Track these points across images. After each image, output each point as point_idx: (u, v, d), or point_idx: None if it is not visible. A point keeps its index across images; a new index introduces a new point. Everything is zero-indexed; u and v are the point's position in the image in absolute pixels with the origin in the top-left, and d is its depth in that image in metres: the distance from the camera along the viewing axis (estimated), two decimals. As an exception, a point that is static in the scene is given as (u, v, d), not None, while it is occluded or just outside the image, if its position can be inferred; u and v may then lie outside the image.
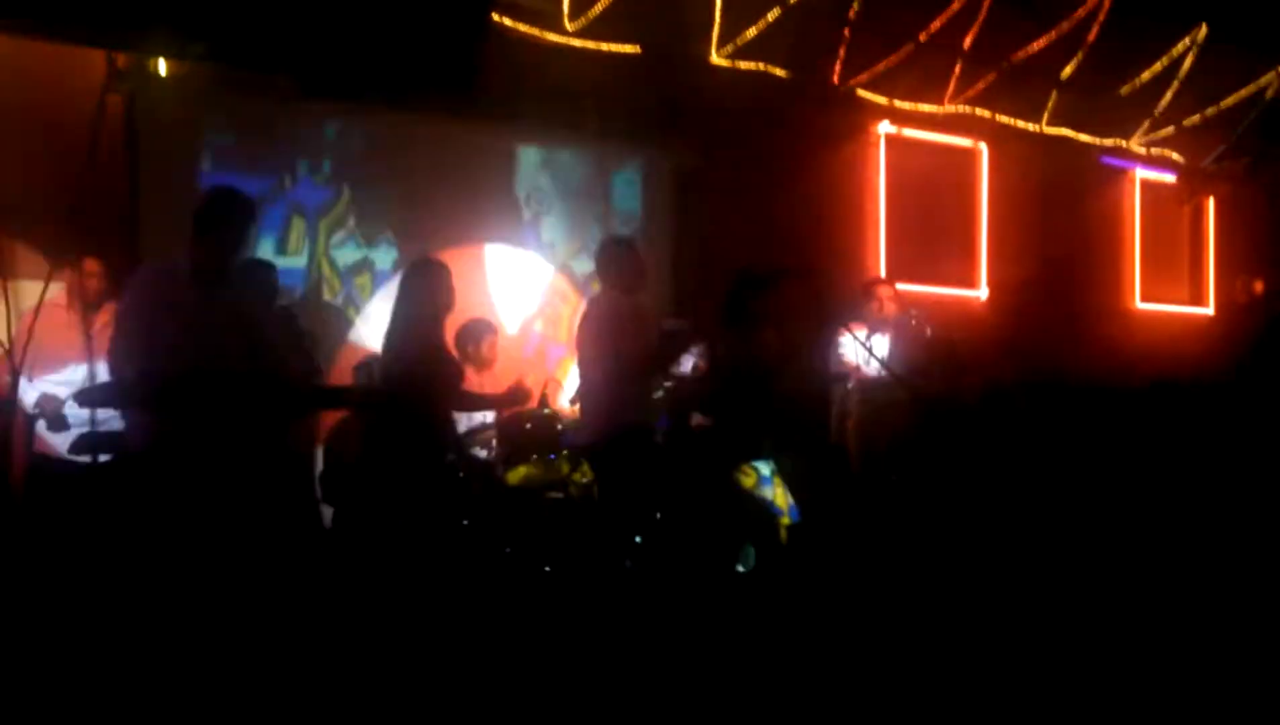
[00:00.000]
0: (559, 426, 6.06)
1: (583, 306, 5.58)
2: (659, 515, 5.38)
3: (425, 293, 4.66)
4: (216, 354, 3.97)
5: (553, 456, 6.01)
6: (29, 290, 4.90)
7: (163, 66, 5.93)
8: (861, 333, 6.22)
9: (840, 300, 6.77)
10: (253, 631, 4.52)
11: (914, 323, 6.48)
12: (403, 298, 4.72)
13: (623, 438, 5.08)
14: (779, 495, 5.52)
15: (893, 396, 6.28)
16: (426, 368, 4.59)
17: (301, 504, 5.70)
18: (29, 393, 4.78)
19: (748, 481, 5.43)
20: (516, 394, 5.28)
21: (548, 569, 5.68)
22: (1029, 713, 3.80)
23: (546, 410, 6.14)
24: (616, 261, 5.12)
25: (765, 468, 5.48)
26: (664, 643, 4.61)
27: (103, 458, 4.42)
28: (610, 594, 5.41)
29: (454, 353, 4.97)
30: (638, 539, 5.72)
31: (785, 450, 5.52)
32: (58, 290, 4.90)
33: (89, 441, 4.33)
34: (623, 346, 4.92)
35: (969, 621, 4.73)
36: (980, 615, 4.81)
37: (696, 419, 5.63)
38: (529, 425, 6.08)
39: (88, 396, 4.14)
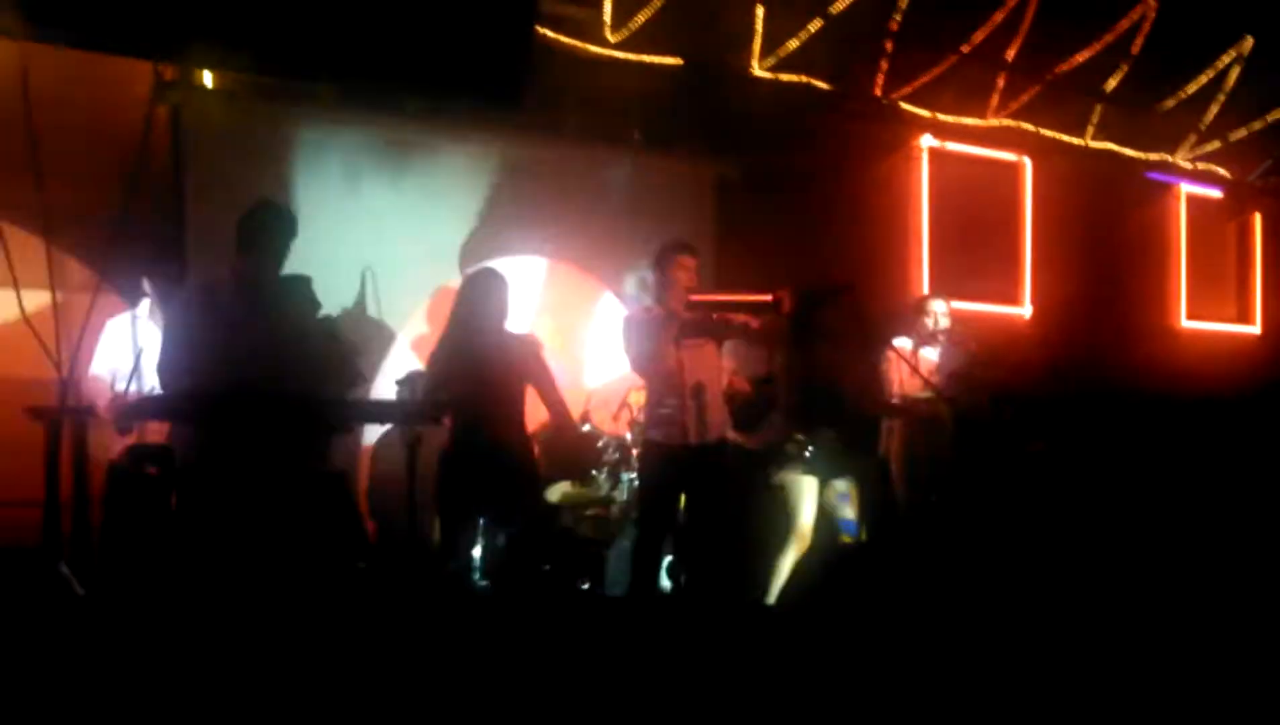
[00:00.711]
0: (599, 443, 6.02)
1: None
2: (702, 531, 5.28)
3: (488, 301, 4.66)
4: (261, 367, 3.95)
5: (593, 473, 5.98)
6: (78, 303, 4.89)
7: (209, 78, 5.94)
8: (907, 348, 6.14)
9: (885, 315, 6.68)
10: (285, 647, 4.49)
11: (960, 340, 6.39)
12: (463, 306, 4.71)
13: (648, 451, 5.04)
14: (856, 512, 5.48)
15: (937, 413, 6.20)
16: (504, 372, 4.61)
17: (342, 519, 5.68)
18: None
19: (829, 498, 5.39)
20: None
21: (585, 586, 5.64)
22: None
23: (587, 426, 6.10)
24: (654, 270, 5.10)
25: (841, 484, 5.42)
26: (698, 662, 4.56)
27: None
28: (646, 611, 5.36)
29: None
30: (669, 557, 5.70)
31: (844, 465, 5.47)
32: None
33: (136, 454, 4.33)
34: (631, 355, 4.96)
35: (1007, 637, 4.66)
36: (1019, 631, 4.74)
37: (732, 435, 5.57)
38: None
39: (134, 410, 4.14)
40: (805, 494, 5.43)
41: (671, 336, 4.85)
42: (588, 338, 7.12)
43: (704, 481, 4.94)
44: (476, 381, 4.61)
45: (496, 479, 4.66)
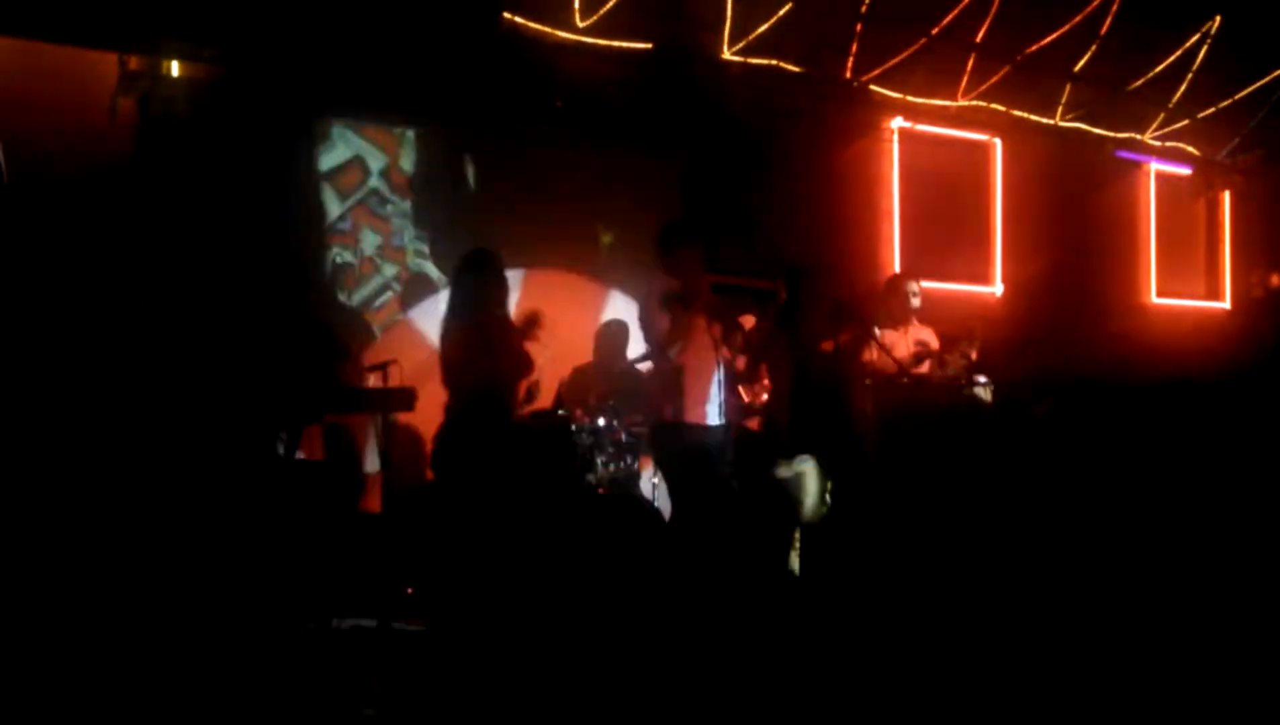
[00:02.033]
0: (574, 427, 6.03)
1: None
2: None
3: (487, 283, 4.64)
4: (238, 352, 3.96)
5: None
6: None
7: (175, 68, 5.91)
8: (878, 329, 6.19)
9: (858, 295, 6.73)
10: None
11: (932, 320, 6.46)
12: (462, 289, 4.68)
13: (657, 430, 5.15)
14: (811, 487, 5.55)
15: (911, 392, 6.26)
16: (499, 354, 4.62)
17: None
18: None
19: (784, 472, 5.48)
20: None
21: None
22: (1041, 715, 3.78)
23: (562, 411, 6.12)
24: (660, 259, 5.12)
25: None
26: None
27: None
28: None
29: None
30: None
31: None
32: None
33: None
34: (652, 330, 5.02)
35: (980, 620, 4.72)
36: (992, 614, 4.79)
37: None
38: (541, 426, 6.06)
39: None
40: (812, 476, 5.54)
41: (684, 324, 4.94)
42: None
43: (719, 461, 5.01)
44: (492, 362, 4.58)
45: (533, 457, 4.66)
